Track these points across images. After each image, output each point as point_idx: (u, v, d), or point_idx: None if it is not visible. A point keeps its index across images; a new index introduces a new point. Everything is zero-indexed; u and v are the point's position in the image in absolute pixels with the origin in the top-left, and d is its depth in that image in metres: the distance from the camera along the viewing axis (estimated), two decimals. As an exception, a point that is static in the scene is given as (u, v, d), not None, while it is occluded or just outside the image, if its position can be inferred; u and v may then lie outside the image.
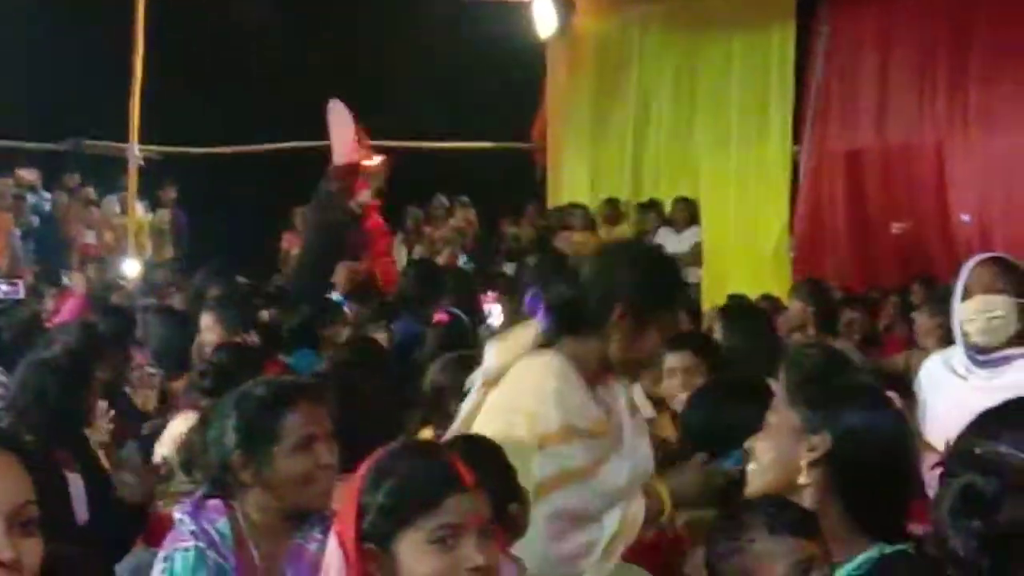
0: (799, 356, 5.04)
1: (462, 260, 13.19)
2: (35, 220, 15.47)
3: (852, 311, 8.52)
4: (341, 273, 10.15)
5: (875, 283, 11.99)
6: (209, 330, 6.81)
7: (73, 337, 6.30)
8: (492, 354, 3.57)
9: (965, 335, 4.76)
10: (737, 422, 3.31)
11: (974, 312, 4.69)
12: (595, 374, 3.51)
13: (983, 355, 4.71)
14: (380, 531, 2.41)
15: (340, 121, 11.89)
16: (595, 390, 3.52)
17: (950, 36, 12.66)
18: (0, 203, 15.16)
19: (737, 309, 7.62)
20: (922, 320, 7.38)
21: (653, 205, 15.41)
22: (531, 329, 3.59)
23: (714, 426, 3.65)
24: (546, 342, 3.52)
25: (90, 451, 5.18)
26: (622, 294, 3.47)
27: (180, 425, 5.27)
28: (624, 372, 3.60)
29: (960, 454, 2.00)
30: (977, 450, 1.97)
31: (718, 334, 6.33)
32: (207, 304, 7.30)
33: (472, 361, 3.90)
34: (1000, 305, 4.66)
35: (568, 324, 3.52)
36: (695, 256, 14.39)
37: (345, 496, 2.52)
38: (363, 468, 2.49)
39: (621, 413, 3.59)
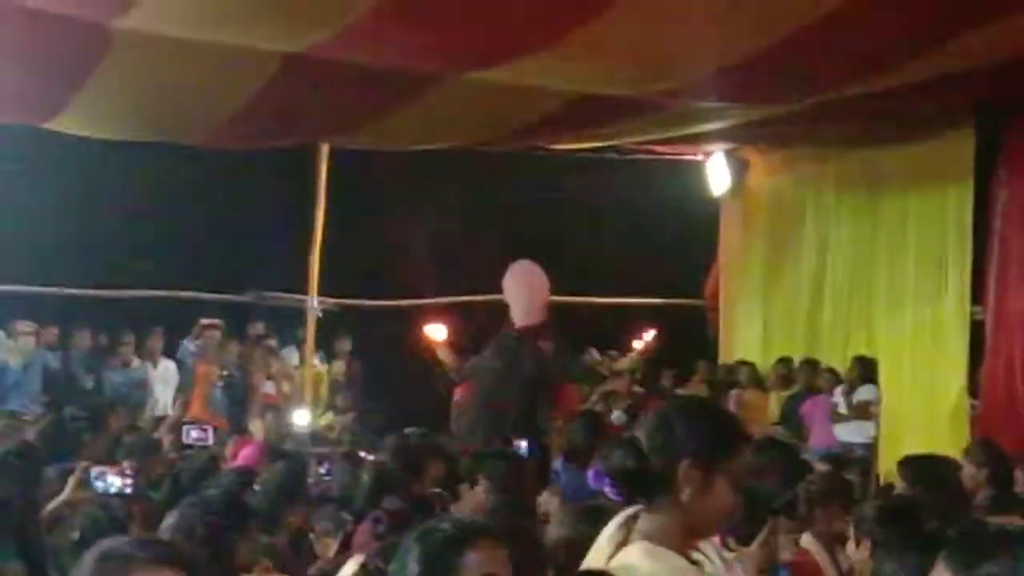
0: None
1: (615, 415, 13.19)
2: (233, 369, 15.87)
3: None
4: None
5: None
6: None
7: (231, 480, 6.43)
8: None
9: None
10: None
11: None
12: (681, 542, 3.44)
13: None
14: None
15: (532, 282, 12.09)
16: (688, 556, 3.45)
17: None
18: (208, 355, 15.59)
19: (920, 459, 7.51)
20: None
21: (814, 363, 15.27)
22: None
23: None
24: (624, 523, 3.47)
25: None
26: (686, 451, 3.41)
27: (351, 567, 5.31)
28: (704, 530, 3.54)
29: None
30: None
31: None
32: None
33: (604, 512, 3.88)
34: None
35: (638, 492, 3.46)
36: (861, 413, 14.22)
37: None
38: None
39: (720, 574, 3.53)
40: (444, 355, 12.37)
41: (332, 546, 6.58)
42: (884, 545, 4.39)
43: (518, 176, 16.24)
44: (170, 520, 5.29)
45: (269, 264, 15.96)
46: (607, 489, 3.49)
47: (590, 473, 3.61)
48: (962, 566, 2.94)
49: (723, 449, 3.48)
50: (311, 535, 6.70)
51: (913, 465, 6.62)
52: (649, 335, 13.25)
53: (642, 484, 3.43)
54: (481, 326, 13.10)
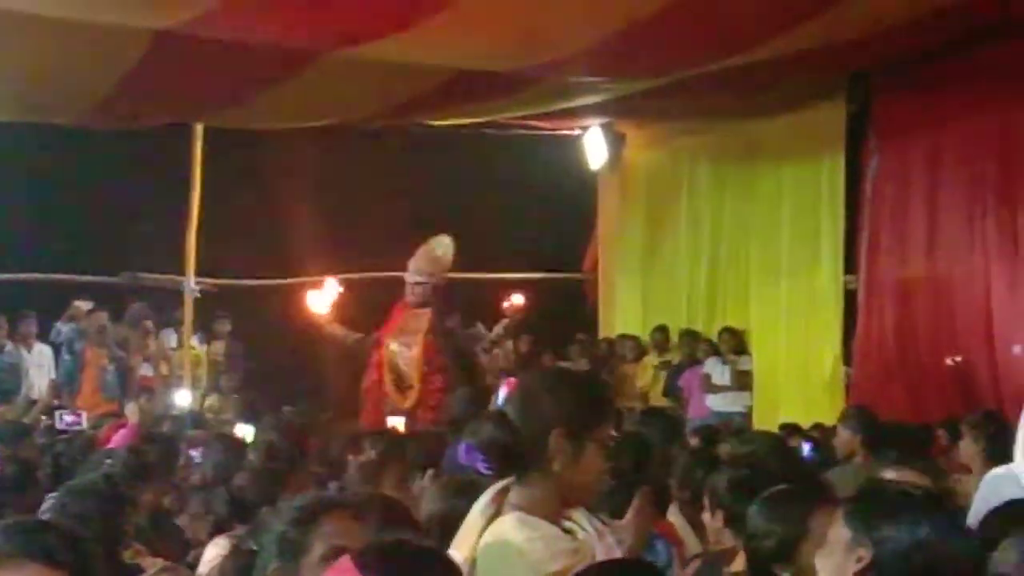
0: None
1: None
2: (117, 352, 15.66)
3: (901, 439, 8.46)
4: None
5: (927, 415, 11.87)
6: None
7: (118, 463, 6.39)
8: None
9: None
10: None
11: None
12: (554, 511, 3.45)
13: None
14: None
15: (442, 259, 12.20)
16: (560, 525, 3.45)
17: (999, 164, 12.65)
18: (93, 339, 15.40)
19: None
20: (966, 445, 7.39)
21: (695, 334, 15.46)
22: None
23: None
24: (495, 496, 3.48)
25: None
26: (556, 422, 3.43)
27: (212, 550, 5.32)
28: (576, 499, 3.54)
29: None
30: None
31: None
32: None
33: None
34: None
35: (509, 465, 3.46)
36: (742, 384, 14.41)
37: None
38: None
39: (592, 540, 3.54)
40: (334, 329, 12.31)
41: (203, 530, 6.55)
42: (735, 514, 4.52)
43: (397, 152, 16.20)
44: (49, 505, 5.24)
45: (145, 245, 15.79)
46: (479, 464, 3.49)
47: (461, 448, 3.61)
48: (862, 525, 3.07)
49: (592, 418, 3.50)
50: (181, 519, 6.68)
51: (755, 440, 6.75)
52: (516, 299, 13.23)
53: (513, 457, 3.44)
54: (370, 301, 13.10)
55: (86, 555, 2.05)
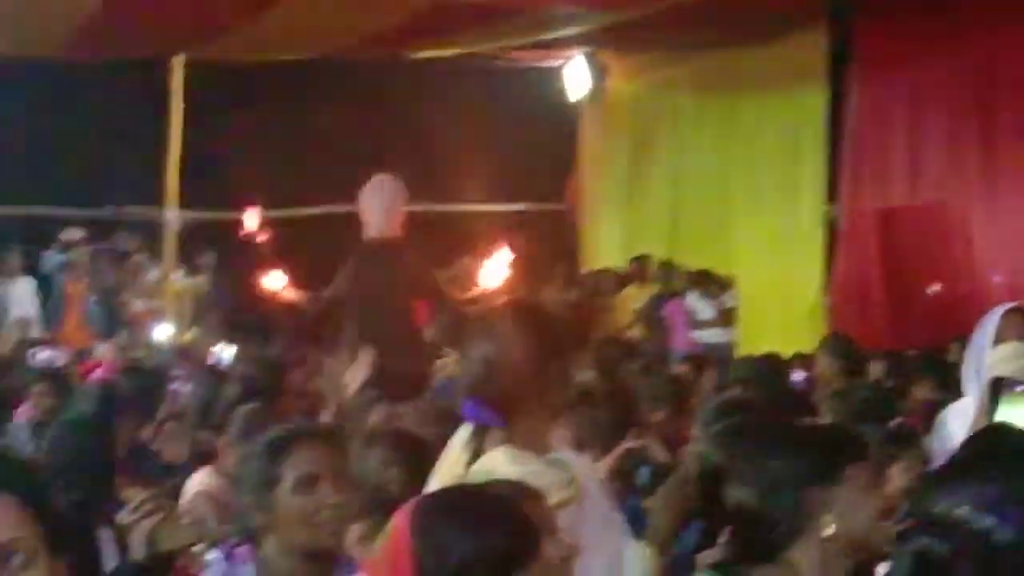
0: None
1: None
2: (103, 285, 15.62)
3: (879, 366, 8.52)
4: None
5: (909, 343, 11.93)
6: None
7: (95, 397, 6.41)
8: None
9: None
10: None
11: (1012, 356, 4.69)
12: (542, 444, 3.44)
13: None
14: None
15: (388, 197, 11.99)
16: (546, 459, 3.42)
17: (979, 94, 12.67)
18: (76, 272, 15.36)
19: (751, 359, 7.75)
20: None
21: (671, 265, 15.37)
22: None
23: None
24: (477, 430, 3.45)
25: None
26: (543, 358, 3.42)
27: (197, 478, 5.36)
28: (556, 415, 3.58)
29: (918, 514, 1.96)
30: (935, 510, 1.92)
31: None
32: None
33: None
34: None
35: (513, 404, 3.42)
36: (727, 320, 14.43)
37: (390, 552, 2.44)
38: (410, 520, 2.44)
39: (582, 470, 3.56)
40: (291, 295, 12.10)
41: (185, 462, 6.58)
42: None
43: (378, 85, 16.12)
44: (46, 442, 5.27)
45: (127, 178, 15.72)
46: (487, 416, 3.41)
47: (465, 408, 3.53)
48: None
49: (566, 346, 3.54)
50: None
51: (743, 366, 6.78)
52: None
53: (512, 399, 3.39)
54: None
55: (37, 483, 2.05)
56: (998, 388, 4.03)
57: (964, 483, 1.93)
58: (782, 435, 3.36)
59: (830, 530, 3.01)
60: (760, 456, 3.20)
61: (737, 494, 3.18)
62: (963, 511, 1.87)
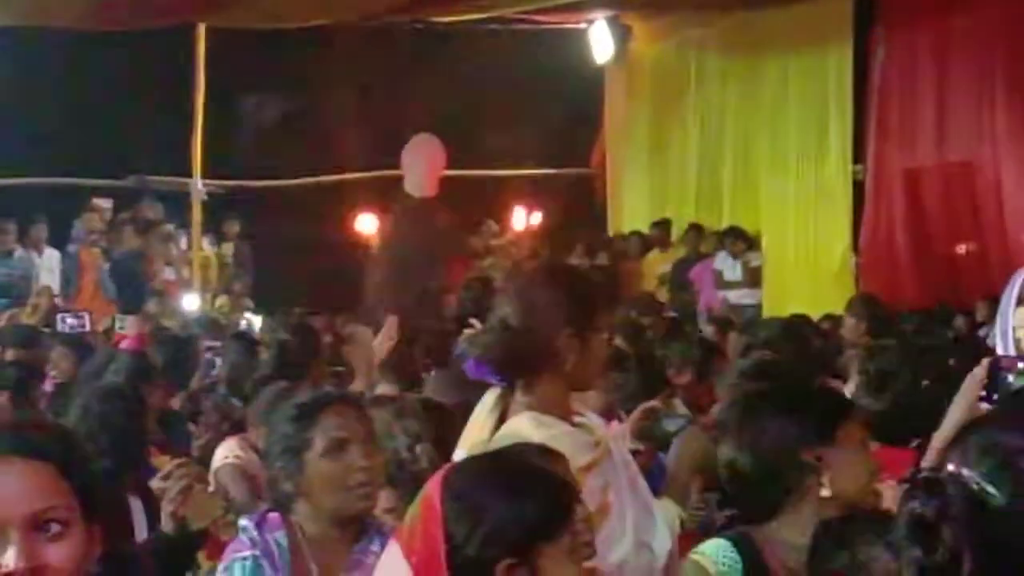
0: None
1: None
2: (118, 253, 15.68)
3: (906, 326, 8.51)
4: None
5: (937, 301, 11.90)
6: None
7: (126, 366, 6.43)
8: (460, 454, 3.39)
9: (1018, 341, 4.70)
10: None
11: None
12: (565, 409, 3.39)
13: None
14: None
15: (429, 155, 12.07)
16: (571, 422, 3.39)
17: (1007, 52, 12.58)
18: (88, 240, 15.44)
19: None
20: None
21: (699, 228, 15.40)
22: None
23: None
24: (501, 396, 3.40)
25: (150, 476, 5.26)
26: (561, 321, 3.34)
27: (225, 449, 5.38)
28: (583, 387, 3.51)
29: (920, 474, 1.93)
30: (927, 474, 1.90)
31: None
32: None
33: None
34: None
35: (520, 372, 3.36)
36: (754, 280, 14.42)
37: (421, 520, 2.42)
38: (441, 487, 2.41)
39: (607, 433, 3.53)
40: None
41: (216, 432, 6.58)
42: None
43: (402, 50, 16.12)
44: (76, 409, 5.28)
45: (152, 149, 15.76)
46: (489, 377, 3.40)
47: (469, 364, 3.58)
48: None
49: (594, 310, 3.44)
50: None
51: (770, 327, 6.76)
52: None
53: (522, 363, 3.35)
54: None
55: (74, 451, 2.07)
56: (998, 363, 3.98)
57: (967, 444, 1.89)
58: (774, 397, 3.37)
59: (826, 491, 3.03)
60: (752, 418, 3.22)
61: (733, 456, 3.18)
62: (959, 472, 1.83)
